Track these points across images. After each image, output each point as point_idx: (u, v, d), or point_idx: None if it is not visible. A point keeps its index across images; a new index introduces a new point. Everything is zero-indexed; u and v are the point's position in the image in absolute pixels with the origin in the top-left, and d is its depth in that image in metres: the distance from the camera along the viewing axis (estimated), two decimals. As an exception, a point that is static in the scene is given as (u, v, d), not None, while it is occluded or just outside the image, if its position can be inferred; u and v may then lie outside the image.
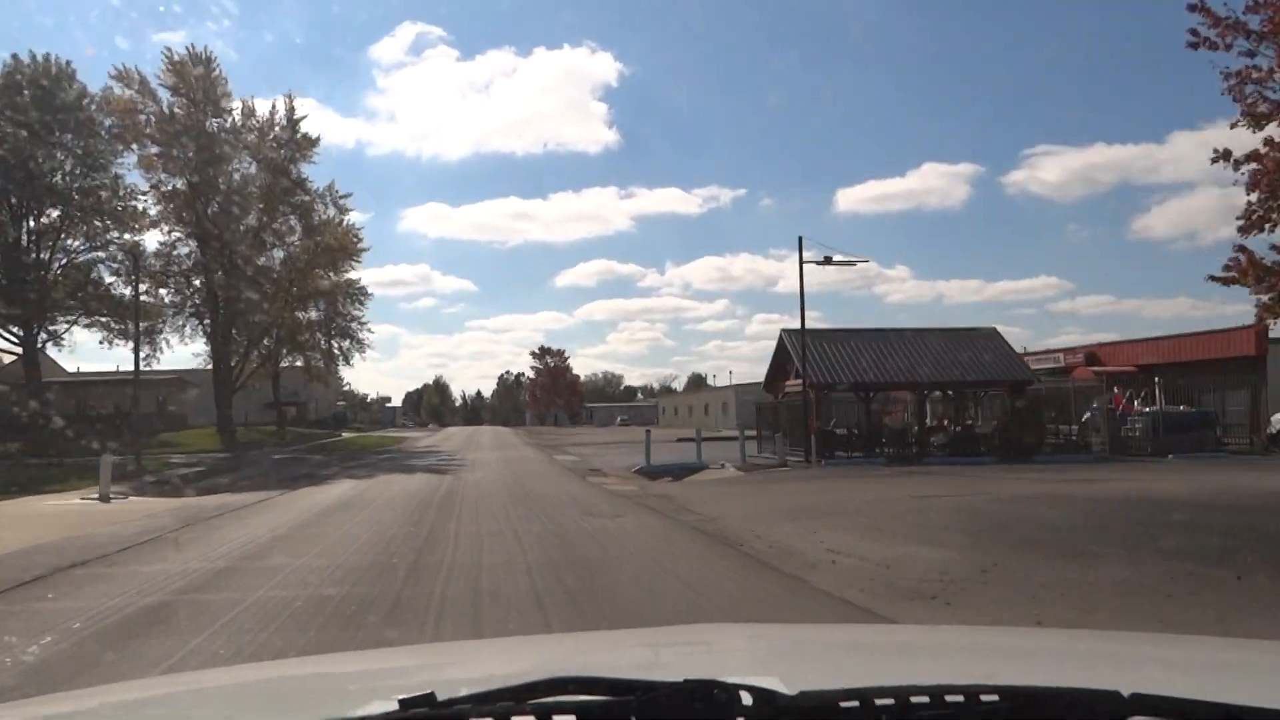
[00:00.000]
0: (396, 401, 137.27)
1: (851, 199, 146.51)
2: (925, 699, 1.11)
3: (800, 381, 26.08)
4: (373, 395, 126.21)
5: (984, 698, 1.12)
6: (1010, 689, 1.14)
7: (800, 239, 24.68)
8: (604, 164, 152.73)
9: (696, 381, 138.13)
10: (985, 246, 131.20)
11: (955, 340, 28.02)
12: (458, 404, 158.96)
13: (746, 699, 1.11)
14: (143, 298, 42.82)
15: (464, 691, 1.20)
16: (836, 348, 26.88)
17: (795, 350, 26.50)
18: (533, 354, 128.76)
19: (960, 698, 1.12)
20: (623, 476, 23.80)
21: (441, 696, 1.17)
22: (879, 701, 1.11)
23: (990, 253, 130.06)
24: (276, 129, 43.72)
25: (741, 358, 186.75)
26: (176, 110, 41.20)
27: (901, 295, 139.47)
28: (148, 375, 59.58)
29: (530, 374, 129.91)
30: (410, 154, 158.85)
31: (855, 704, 1.10)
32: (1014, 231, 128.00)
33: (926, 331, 28.64)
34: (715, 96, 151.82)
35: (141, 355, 45.93)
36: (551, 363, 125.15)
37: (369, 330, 54.40)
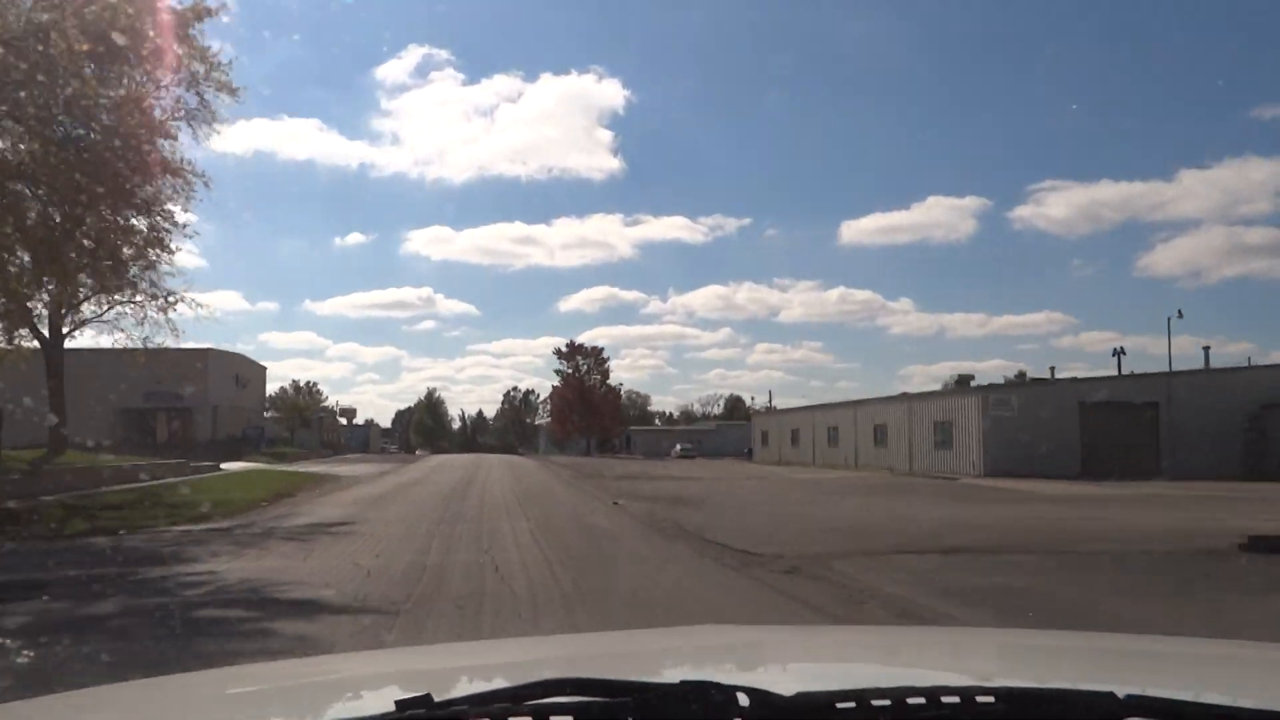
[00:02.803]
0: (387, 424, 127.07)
1: (856, 230, 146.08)
2: (921, 700, 1.10)
3: None
4: (335, 406, 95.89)
5: (980, 699, 1.11)
6: (1006, 690, 1.13)
7: None
8: (609, 190, 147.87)
9: (734, 404, 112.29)
10: (989, 280, 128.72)
11: None
12: (456, 426, 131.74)
13: (743, 700, 1.10)
14: None
15: (461, 692, 1.18)
16: None
17: None
18: (558, 353, 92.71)
19: (956, 699, 1.11)
20: None
21: (438, 697, 1.15)
22: (875, 703, 1.09)
23: (994, 287, 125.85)
24: None
25: (743, 387, 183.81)
26: None
27: (904, 328, 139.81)
28: None
29: (552, 384, 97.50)
30: (413, 176, 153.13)
31: (852, 705, 1.09)
32: (1019, 266, 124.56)
33: None
34: (721, 126, 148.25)
35: None
36: (584, 366, 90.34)
37: (184, 209, 21.77)
